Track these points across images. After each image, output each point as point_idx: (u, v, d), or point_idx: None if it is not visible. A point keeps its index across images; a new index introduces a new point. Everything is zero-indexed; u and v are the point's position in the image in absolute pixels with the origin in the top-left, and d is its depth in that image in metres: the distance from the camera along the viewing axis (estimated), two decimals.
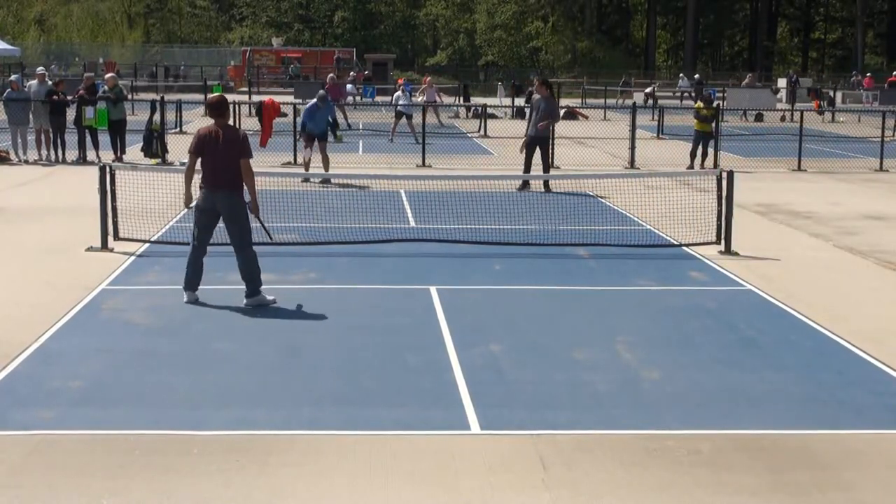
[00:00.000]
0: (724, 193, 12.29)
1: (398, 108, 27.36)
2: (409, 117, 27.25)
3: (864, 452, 6.14)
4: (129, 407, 6.70)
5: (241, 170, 9.22)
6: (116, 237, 12.06)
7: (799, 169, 21.79)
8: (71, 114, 21.38)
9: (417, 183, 17.02)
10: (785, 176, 20.90)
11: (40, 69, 23.63)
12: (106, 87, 21.97)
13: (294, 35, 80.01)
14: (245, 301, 9.33)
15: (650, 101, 42.39)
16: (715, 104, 22.15)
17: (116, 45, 76.27)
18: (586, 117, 36.75)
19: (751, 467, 5.87)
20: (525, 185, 17.47)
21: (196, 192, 9.41)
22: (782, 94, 48.45)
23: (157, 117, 21.59)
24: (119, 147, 21.08)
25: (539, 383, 7.30)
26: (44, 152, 21.10)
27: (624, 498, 5.47)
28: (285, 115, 23.59)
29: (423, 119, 23.47)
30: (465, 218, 13.96)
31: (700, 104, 21.76)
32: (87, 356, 7.79)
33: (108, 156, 20.34)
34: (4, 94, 21.97)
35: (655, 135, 29.51)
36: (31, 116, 21.20)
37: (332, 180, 17.77)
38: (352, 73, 48.25)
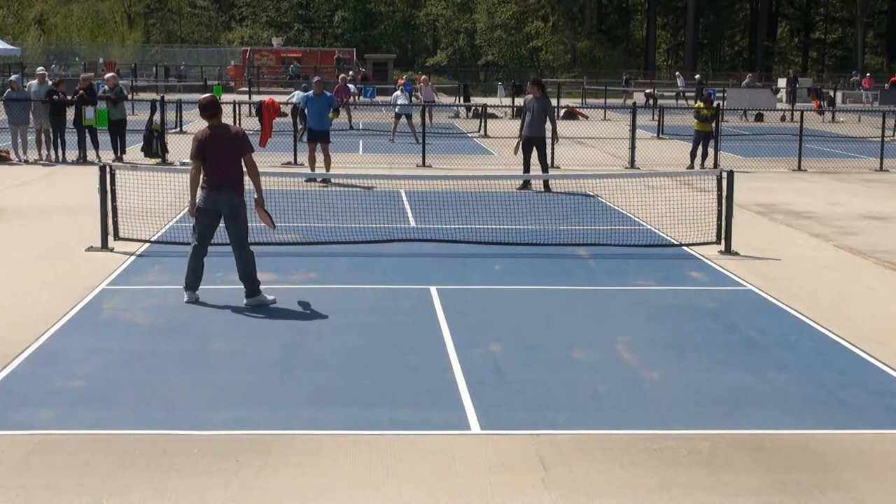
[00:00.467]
0: (724, 193, 12.29)
1: (397, 108, 27.35)
2: (409, 117, 27.25)
3: (864, 452, 6.14)
4: (129, 407, 6.70)
5: (242, 168, 9.24)
6: (116, 237, 12.06)
7: (799, 169, 21.79)
8: (71, 114, 21.38)
9: (417, 183, 17.02)
10: (785, 176, 20.90)
11: (40, 69, 23.62)
12: (106, 87, 21.98)
13: (294, 35, 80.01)
14: (245, 301, 9.33)
15: (650, 102, 42.40)
16: (715, 104, 22.15)
17: (116, 45, 76.29)
18: (586, 117, 36.76)
19: (751, 467, 5.87)
20: (525, 184, 17.47)
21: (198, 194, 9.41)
22: (782, 94, 48.44)
23: (157, 117, 21.60)
24: (119, 147, 21.09)
25: (539, 383, 7.30)
26: (44, 152, 21.11)
27: (624, 498, 5.47)
28: (285, 114, 23.61)
29: (423, 119, 23.48)
30: (465, 218, 13.97)
31: (700, 104, 21.77)
32: (88, 356, 7.79)
33: (108, 156, 20.35)
34: (4, 94, 21.97)
35: (655, 135, 29.53)
36: (31, 116, 21.21)
37: (333, 180, 17.77)
38: (350, 73, 48.24)
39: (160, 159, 20.94)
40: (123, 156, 20.92)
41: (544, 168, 17.50)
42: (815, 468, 5.88)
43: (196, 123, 24.64)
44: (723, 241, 12.22)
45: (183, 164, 18.00)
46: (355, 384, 7.23)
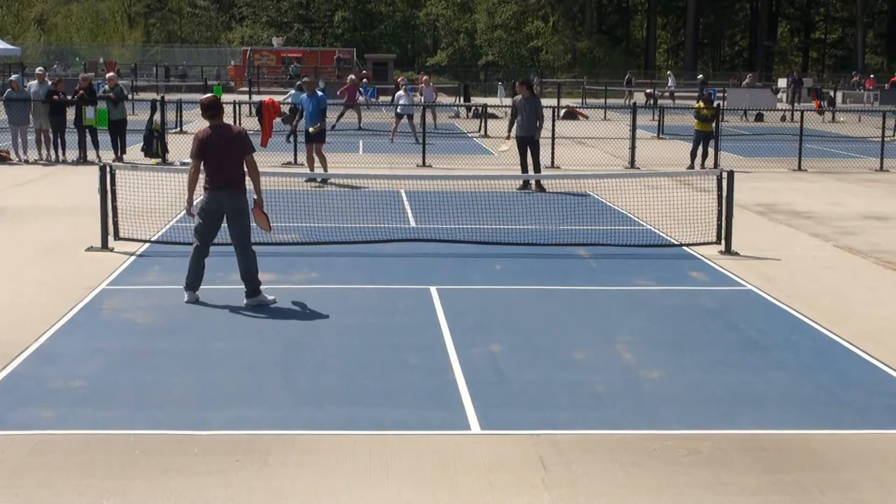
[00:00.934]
0: (724, 193, 12.29)
1: (398, 108, 27.34)
2: (410, 117, 27.24)
3: (865, 452, 6.14)
4: (129, 407, 6.70)
5: (243, 168, 9.23)
6: (116, 237, 12.06)
7: (799, 169, 21.79)
8: (71, 114, 21.38)
9: (417, 183, 17.03)
10: (785, 176, 20.90)
11: (40, 69, 23.61)
12: (106, 87, 21.97)
13: (294, 35, 79.96)
14: (245, 301, 9.33)
15: (650, 102, 42.38)
16: (715, 104, 22.15)
17: (116, 45, 76.33)
18: (586, 117, 36.76)
19: (751, 467, 5.86)
20: (525, 185, 17.46)
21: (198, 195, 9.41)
22: (783, 94, 48.40)
23: (157, 117, 21.60)
24: (119, 147, 21.09)
25: (539, 383, 7.30)
26: (44, 152, 21.11)
27: (624, 498, 5.47)
28: (285, 114, 23.61)
29: (423, 119, 23.46)
30: (465, 218, 13.96)
31: (700, 104, 21.77)
32: (88, 356, 7.79)
33: (108, 156, 20.35)
34: (4, 94, 21.97)
35: (655, 135, 29.52)
36: (31, 116, 21.21)
37: (332, 180, 17.77)
38: (363, 73, 48.22)
39: (160, 159, 20.94)
40: (123, 156, 20.92)
41: (536, 168, 17.46)
42: (815, 468, 5.88)
43: (196, 123, 24.65)
44: (723, 241, 12.21)
45: (183, 163, 18.00)
46: (355, 384, 7.23)
